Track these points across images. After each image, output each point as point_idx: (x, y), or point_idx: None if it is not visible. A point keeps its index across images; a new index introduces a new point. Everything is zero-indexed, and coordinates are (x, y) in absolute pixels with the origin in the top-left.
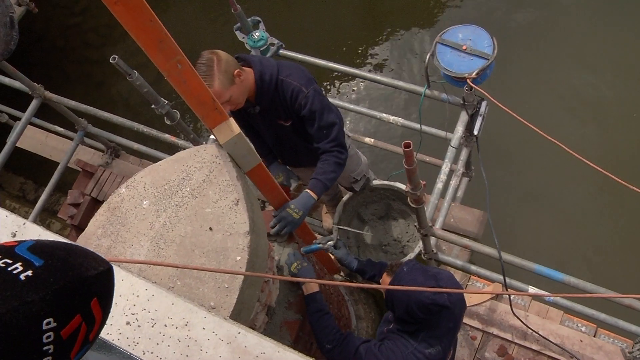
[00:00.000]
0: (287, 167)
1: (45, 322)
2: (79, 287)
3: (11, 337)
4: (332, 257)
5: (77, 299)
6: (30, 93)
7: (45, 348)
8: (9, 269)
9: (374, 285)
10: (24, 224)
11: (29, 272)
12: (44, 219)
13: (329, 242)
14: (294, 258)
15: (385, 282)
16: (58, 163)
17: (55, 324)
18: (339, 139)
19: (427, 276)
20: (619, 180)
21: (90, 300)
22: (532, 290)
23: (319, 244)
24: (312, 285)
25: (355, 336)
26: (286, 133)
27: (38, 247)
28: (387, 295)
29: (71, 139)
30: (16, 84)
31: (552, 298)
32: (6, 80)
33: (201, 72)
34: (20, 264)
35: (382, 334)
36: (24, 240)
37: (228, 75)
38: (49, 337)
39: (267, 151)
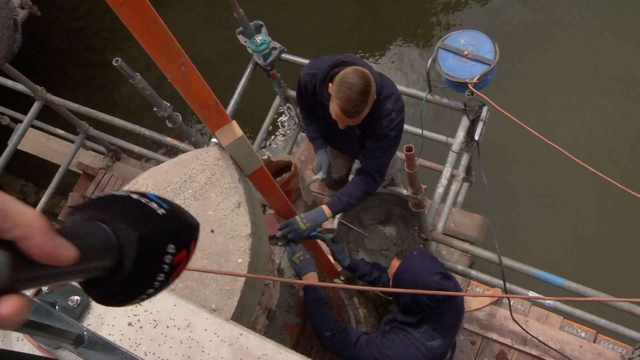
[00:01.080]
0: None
1: (169, 246)
2: (190, 229)
3: (148, 251)
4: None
5: (188, 237)
6: (32, 95)
7: (163, 266)
8: (150, 205)
9: (374, 288)
10: None
11: (163, 210)
12: None
13: (329, 235)
14: (297, 248)
15: (394, 267)
16: (59, 166)
17: (174, 250)
18: (382, 170)
19: (435, 262)
20: (620, 186)
21: (192, 241)
22: (531, 294)
23: (319, 232)
24: (312, 276)
25: (356, 330)
26: (350, 134)
27: (161, 197)
28: (395, 279)
29: (72, 141)
30: (18, 87)
31: (551, 303)
32: (9, 82)
33: (357, 97)
34: (155, 203)
35: (384, 329)
36: (146, 192)
37: (372, 103)
38: (168, 258)
39: (319, 134)
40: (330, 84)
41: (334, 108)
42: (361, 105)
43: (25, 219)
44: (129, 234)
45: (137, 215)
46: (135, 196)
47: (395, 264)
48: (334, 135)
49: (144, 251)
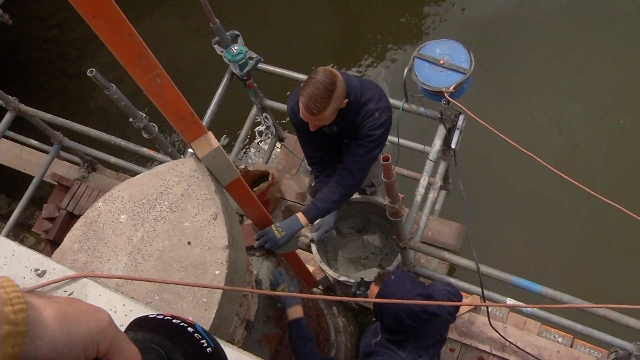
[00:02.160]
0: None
1: None
2: None
3: None
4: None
5: None
6: (4, 106)
7: None
8: (202, 341)
9: (353, 299)
10: None
11: (210, 349)
12: (17, 233)
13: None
14: (282, 279)
15: (373, 292)
16: (33, 177)
17: None
18: (364, 169)
19: (415, 283)
20: (594, 193)
21: None
22: (509, 302)
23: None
24: (296, 310)
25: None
26: (342, 147)
27: (207, 332)
28: (376, 304)
29: (47, 152)
30: None
31: (529, 309)
32: None
33: (318, 93)
34: (204, 341)
35: (368, 347)
36: (195, 322)
37: (339, 103)
38: None
39: (318, 160)
40: None
41: (300, 107)
42: (323, 102)
43: (131, 355)
44: None
45: (192, 351)
46: (190, 329)
47: (375, 289)
48: (332, 152)
49: None
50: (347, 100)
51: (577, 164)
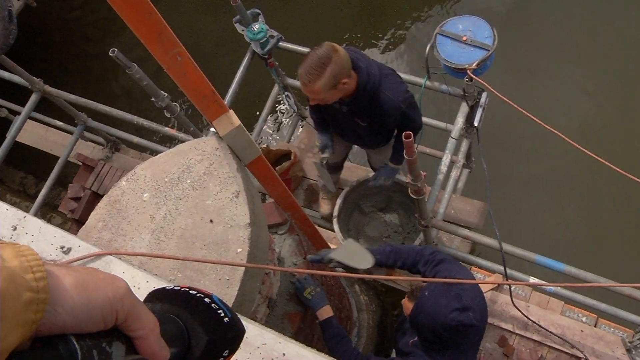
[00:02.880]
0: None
1: (225, 351)
2: (241, 337)
3: (210, 353)
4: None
5: (238, 344)
6: (29, 87)
7: None
8: (219, 312)
9: (374, 276)
10: (25, 217)
11: (227, 319)
12: (44, 213)
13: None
14: (307, 283)
15: (407, 308)
16: (58, 157)
17: (227, 354)
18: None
19: (449, 297)
20: (620, 171)
21: (238, 347)
22: (532, 280)
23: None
24: (326, 311)
25: (377, 357)
26: (357, 126)
27: (224, 303)
28: (412, 319)
29: (71, 133)
30: (15, 79)
31: (552, 288)
32: (5, 74)
33: (312, 64)
34: (221, 311)
35: (404, 346)
36: (212, 294)
37: (334, 81)
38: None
39: (322, 118)
40: None
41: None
42: (314, 74)
43: (149, 323)
44: (201, 336)
45: (209, 321)
46: (207, 300)
47: (409, 305)
48: (345, 131)
49: (207, 352)
50: (346, 80)
51: (600, 139)
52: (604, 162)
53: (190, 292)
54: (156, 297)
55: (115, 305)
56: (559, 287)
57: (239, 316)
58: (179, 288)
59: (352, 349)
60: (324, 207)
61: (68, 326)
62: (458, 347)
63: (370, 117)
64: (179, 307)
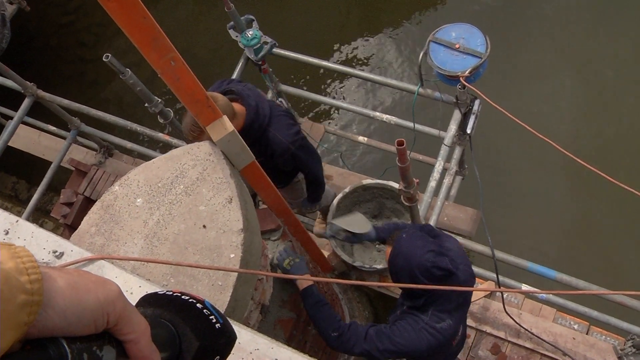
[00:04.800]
0: None
1: (216, 357)
2: (232, 344)
3: (203, 359)
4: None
5: (229, 350)
6: (22, 92)
7: None
8: (210, 317)
9: (367, 283)
10: (17, 221)
11: (218, 325)
12: (36, 219)
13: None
14: (286, 254)
15: (387, 252)
16: (51, 162)
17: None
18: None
19: (426, 241)
20: (614, 181)
21: (229, 353)
22: (525, 288)
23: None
24: (306, 280)
25: (360, 323)
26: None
27: (216, 308)
28: (390, 266)
29: (64, 138)
30: (8, 83)
31: (544, 296)
32: None
33: (192, 122)
34: (213, 317)
35: (394, 317)
36: (204, 299)
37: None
38: None
39: None
40: None
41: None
42: (196, 131)
43: (140, 327)
44: (192, 342)
45: (201, 327)
46: (199, 305)
47: (388, 250)
48: None
49: (198, 358)
50: (247, 122)
51: (591, 147)
52: (596, 171)
53: (182, 297)
54: (148, 301)
55: (107, 308)
56: (551, 295)
57: (231, 322)
58: (171, 293)
59: (334, 315)
60: (318, 226)
61: (58, 329)
62: (441, 306)
63: (261, 156)
64: (170, 312)
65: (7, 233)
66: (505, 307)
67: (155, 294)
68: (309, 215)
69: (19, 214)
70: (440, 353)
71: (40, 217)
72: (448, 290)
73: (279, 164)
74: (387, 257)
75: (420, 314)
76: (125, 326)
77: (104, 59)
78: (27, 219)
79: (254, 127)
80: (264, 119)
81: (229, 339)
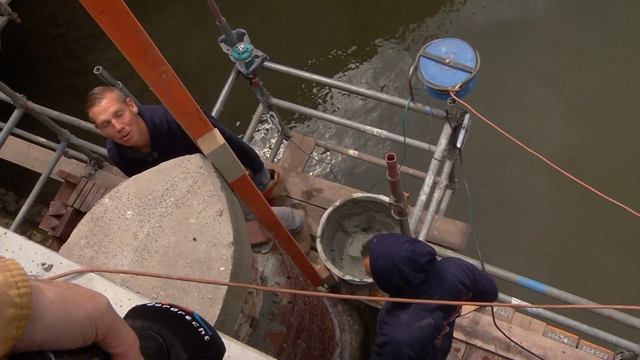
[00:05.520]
0: None
1: None
2: (221, 356)
3: None
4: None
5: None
6: (12, 103)
7: None
8: (199, 329)
9: (357, 297)
10: (5, 233)
11: (207, 337)
12: (24, 230)
13: None
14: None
15: (366, 265)
16: (40, 174)
17: None
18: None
19: (398, 237)
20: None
21: None
22: (515, 301)
23: None
24: None
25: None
26: None
27: (205, 320)
28: (374, 273)
29: (54, 149)
30: None
31: (534, 309)
32: None
33: (95, 93)
34: (202, 329)
35: (380, 317)
36: (193, 311)
37: (120, 96)
38: None
39: None
40: None
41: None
42: (102, 93)
43: (129, 339)
44: (181, 354)
45: (190, 339)
46: (188, 318)
47: (366, 260)
48: None
49: None
50: (147, 122)
51: (581, 162)
52: (585, 185)
53: (171, 309)
54: (136, 314)
55: (95, 321)
56: (540, 308)
57: (221, 335)
58: (160, 305)
59: None
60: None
61: (47, 342)
62: (421, 305)
63: (185, 148)
64: (159, 324)
65: None
66: (495, 320)
67: (144, 306)
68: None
69: (7, 226)
70: (423, 351)
71: (28, 229)
72: (430, 288)
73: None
74: (367, 269)
75: (400, 313)
76: (114, 339)
77: (94, 72)
78: (16, 231)
79: (155, 122)
80: (159, 111)
81: (218, 351)
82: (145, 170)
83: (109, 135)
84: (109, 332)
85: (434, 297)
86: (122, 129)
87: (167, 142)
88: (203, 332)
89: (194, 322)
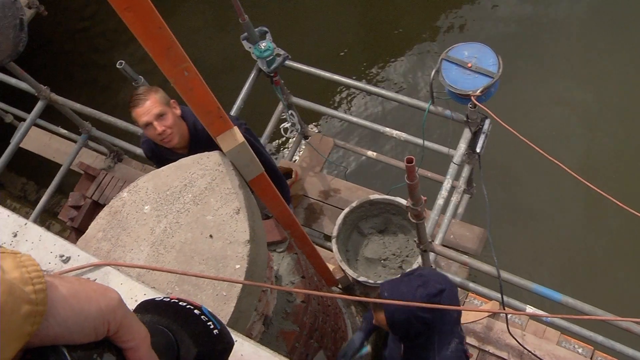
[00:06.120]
0: None
1: None
2: (230, 349)
3: None
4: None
5: (227, 355)
6: (36, 95)
7: None
8: (208, 323)
9: (371, 299)
10: (26, 224)
11: (216, 331)
12: (44, 220)
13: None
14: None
15: (382, 319)
16: (60, 165)
17: None
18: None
19: (407, 282)
20: (620, 204)
21: (227, 359)
22: (529, 309)
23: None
24: None
25: None
26: None
27: (213, 314)
28: (391, 325)
29: (75, 141)
30: (22, 85)
31: (549, 318)
32: (12, 81)
33: (140, 93)
34: (211, 323)
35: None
36: (202, 305)
37: (164, 98)
38: None
39: None
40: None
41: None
42: (146, 95)
43: (140, 334)
44: (190, 348)
45: (199, 333)
46: (197, 312)
47: (381, 315)
48: None
49: None
50: (190, 126)
51: (601, 170)
52: (604, 194)
53: (180, 303)
54: (145, 308)
55: (107, 316)
56: (555, 318)
57: (235, 333)
58: (168, 299)
59: None
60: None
61: (59, 337)
62: (441, 331)
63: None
64: (168, 318)
65: (15, 235)
66: (509, 327)
67: (153, 300)
68: (316, 228)
69: (27, 215)
70: None
71: (47, 218)
72: (444, 312)
73: None
74: (383, 323)
75: (427, 351)
76: (125, 334)
77: (117, 66)
78: (35, 221)
79: (198, 127)
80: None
81: (227, 345)
82: None
83: (151, 137)
84: (120, 327)
85: (445, 323)
86: (164, 132)
87: (205, 148)
88: (212, 326)
89: (202, 316)
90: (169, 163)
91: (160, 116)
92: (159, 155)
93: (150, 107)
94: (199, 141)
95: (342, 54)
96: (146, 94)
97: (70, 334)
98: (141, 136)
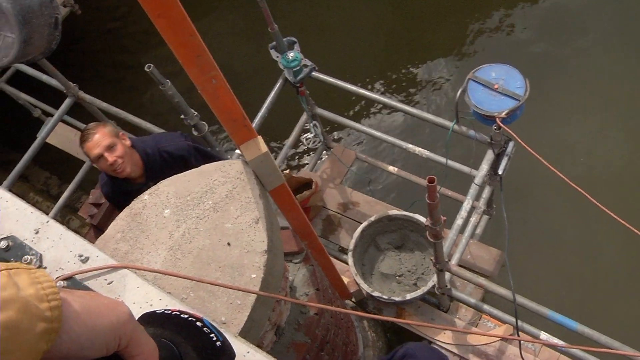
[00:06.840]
0: None
1: None
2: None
3: None
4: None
5: None
6: (64, 92)
7: None
8: (210, 335)
9: (384, 317)
10: (47, 222)
11: (219, 343)
12: (64, 215)
13: None
14: None
15: None
16: (84, 162)
17: None
18: None
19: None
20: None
21: None
22: (543, 336)
23: None
24: None
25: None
26: None
27: (214, 326)
28: None
29: None
30: (52, 82)
31: (563, 348)
32: (44, 77)
33: (89, 129)
34: (213, 335)
35: None
36: (203, 317)
37: (112, 131)
38: None
39: None
40: None
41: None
42: (95, 128)
43: (149, 348)
44: None
45: (202, 346)
46: (199, 324)
47: None
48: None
49: None
50: (141, 153)
51: (627, 199)
52: (630, 227)
53: (182, 315)
54: (147, 321)
55: (119, 331)
56: (570, 348)
57: (244, 342)
58: (169, 312)
59: None
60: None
61: (71, 353)
62: None
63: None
64: (171, 331)
65: (37, 232)
66: (522, 352)
67: (154, 312)
68: (332, 239)
69: (48, 209)
70: None
71: (67, 213)
72: None
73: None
74: None
75: None
76: (135, 348)
77: (145, 69)
78: (56, 215)
79: (148, 152)
80: (151, 141)
81: (230, 356)
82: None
83: (103, 169)
84: (130, 342)
85: None
86: (115, 162)
87: (161, 172)
88: (215, 338)
89: (205, 328)
90: (129, 198)
91: (110, 148)
92: (119, 191)
93: (99, 140)
94: (154, 166)
95: (369, 65)
96: (94, 128)
97: (82, 350)
98: (99, 179)
